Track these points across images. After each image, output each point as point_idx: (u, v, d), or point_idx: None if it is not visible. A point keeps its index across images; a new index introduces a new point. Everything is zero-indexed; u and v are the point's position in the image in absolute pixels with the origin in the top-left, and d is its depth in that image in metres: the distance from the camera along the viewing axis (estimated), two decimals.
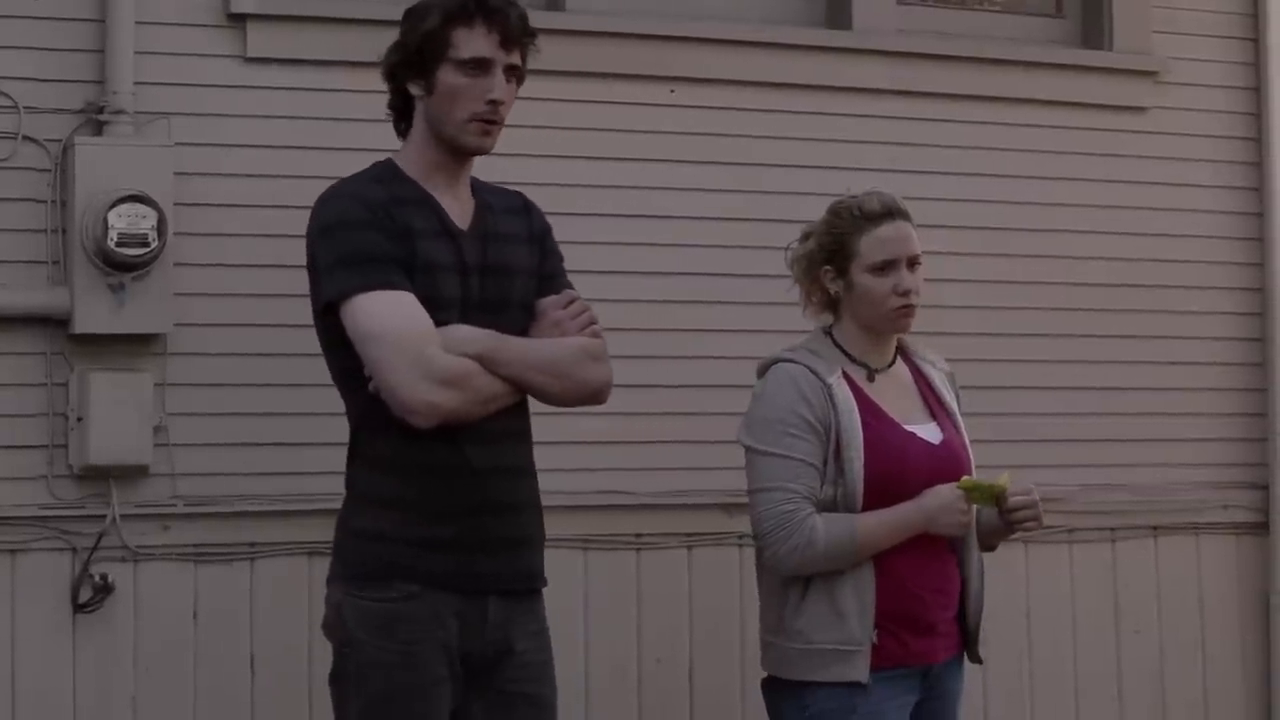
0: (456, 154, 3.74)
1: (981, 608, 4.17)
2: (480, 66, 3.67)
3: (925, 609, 4.01)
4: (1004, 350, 5.23)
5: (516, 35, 3.70)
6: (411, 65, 3.70)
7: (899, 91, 5.20)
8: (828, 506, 3.96)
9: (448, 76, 3.68)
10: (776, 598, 4.05)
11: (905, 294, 4.05)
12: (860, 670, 3.93)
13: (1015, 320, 5.28)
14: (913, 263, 4.08)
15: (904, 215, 4.10)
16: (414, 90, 3.72)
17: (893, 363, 4.16)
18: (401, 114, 3.79)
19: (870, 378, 4.09)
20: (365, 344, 3.57)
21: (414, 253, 3.62)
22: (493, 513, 3.67)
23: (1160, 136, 5.51)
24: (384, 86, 3.81)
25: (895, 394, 4.12)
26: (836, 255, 4.10)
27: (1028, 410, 5.24)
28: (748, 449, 4.04)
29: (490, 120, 3.70)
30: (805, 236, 4.19)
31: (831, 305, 4.15)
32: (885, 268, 4.06)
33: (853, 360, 4.09)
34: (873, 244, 4.07)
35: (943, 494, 3.97)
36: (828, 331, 4.15)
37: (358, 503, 3.71)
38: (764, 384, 4.08)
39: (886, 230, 4.07)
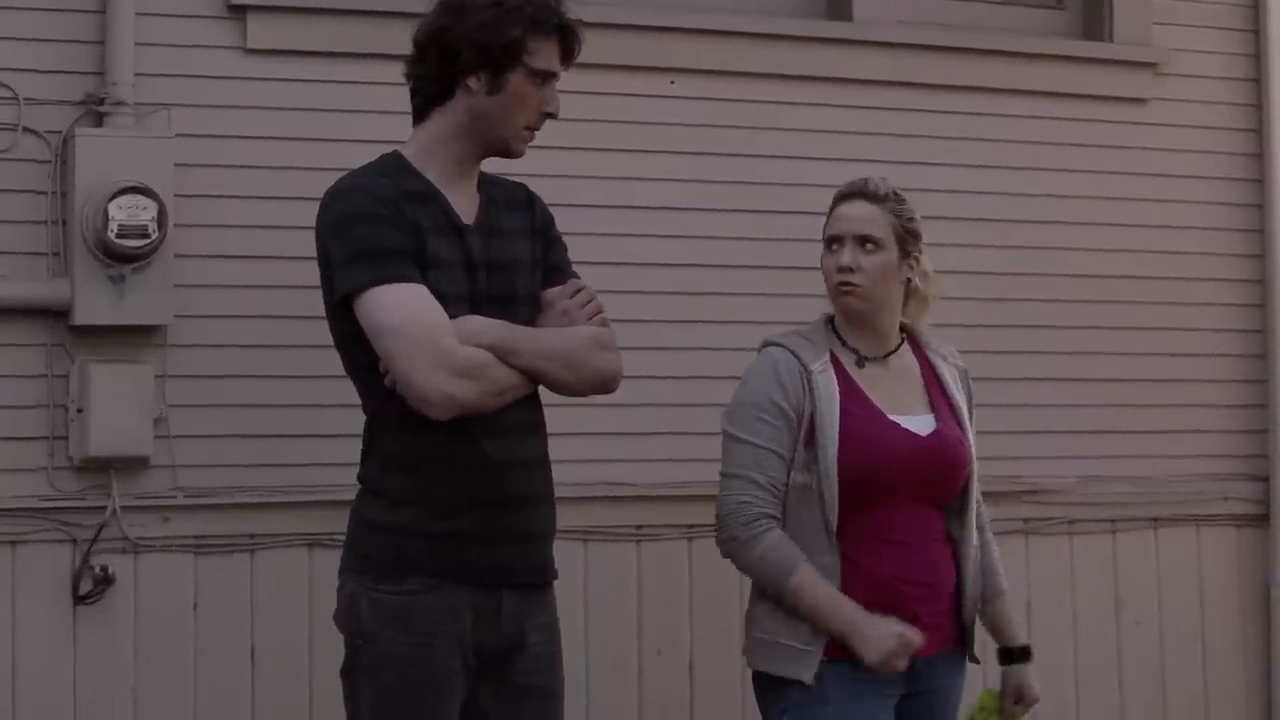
0: (493, 154, 3.76)
1: (976, 607, 4.16)
2: (546, 78, 3.71)
3: (903, 601, 3.97)
4: (1004, 341, 5.22)
5: (575, 55, 3.76)
6: (480, 61, 3.67)
7: (899, 83, 5.20)
8: (804, 493, 3.95)
9: (519, 83, 3.68)
10: (754, 589, 4.07)
11: (841, 270, 4.06)
12: (806, 670, 3.92)
13: (1015, 311, 5.28)
14: (864, 242, 4.06)
15: (872, 198, 4.08)
16: (473, 85, 3.68)
17: (894, 352, 4.15)
18: (428, 99, 3.74)
19: (859, 364, 4.09)
20: (380, 337, 3.56)
21: (423, 249, 3.62)
22: (509, 506, 3.68)
23: (1160, 128, 5.51)
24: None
25: (891, 383, 4.10)
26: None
27: (1028, 401, 5.24)
28: (723, 431, 4.05)
29: (538, 130, 3.75)
30: None
31: None
32: (831, 243, 4.09)
33: (845, 346, 4.10)
34: (829, 222, 4.11)
35: (885, 628, 3.88)
36: (831, 316, 4.15)
37: (372, 496, 3.71)
38: (749, 366, 4.10)
39: (841, 208, 4.10)
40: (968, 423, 4.17)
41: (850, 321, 4.11)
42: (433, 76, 3.72)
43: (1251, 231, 5.62)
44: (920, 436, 4.05)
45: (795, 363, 4.01)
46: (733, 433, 4.01)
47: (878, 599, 3.95)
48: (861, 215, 4.07)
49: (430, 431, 3.58)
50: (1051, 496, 5.31)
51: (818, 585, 3.90)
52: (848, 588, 3.93)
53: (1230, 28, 5.63)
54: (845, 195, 4.11)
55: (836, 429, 3.96)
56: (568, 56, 3.76)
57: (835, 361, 4.05)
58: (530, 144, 3.80)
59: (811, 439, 3.96)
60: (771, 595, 3.97)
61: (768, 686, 4.03)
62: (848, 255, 4.04)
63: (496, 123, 3.72)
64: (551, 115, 3.75)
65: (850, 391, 4.02)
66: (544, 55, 3.71)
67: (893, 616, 3.93)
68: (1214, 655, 5.54)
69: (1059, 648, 5.33)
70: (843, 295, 4.07)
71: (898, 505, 4.00)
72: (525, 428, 3.73)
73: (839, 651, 3.93)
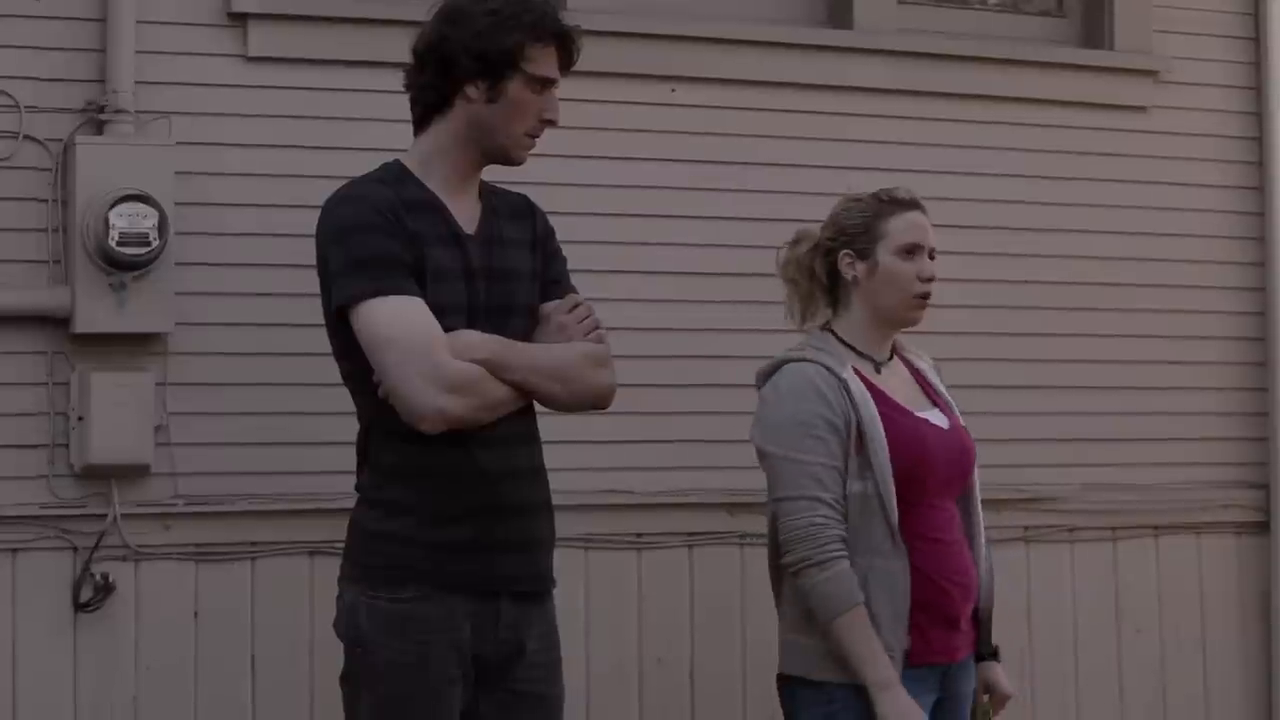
0: (494, 161, 3.76)
1: (992, 600, 4.15)
2: (545, 84, 3.71)
3: (951, 602, 3.99)
4: (1005, 349, 5.22)
5: (573, 59, 3.76)
6: (479, 69, 3.68)
7: (900, 91, 5.20)
8: (863, 501, 3.93)
9: (518, 90, 3.69)
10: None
11: (929, 280, 4.07)
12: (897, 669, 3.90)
13: (1016, 319, 5.28)
14: (931, 255, 4.10)
15: (923, 208, 4.14)
16: (472, 93, 3.69)
17: (891, 357, 4.16)
18: (428, 108, 3.75)
19: (877, 370, 4.09)
20: (374, 349, 3.57)
21: (422, 258, 3.62)
22: (505, 515, 3.68)
23: (1161, 136, 5.50)
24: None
25: (900, 385, 4.12)
26: (861, 237, 4.09)
27: (1028, 409, 5.24)
28: (766, 454, 4.00)
29: (538, 137, 3.75)
30: (797, 241, 4.19)
31: (833, 300, 4.15)
32: (913, 251, 4.07)
33: (859, 354, 4.09)
34: (903, 226, 4.08)
35: (911, 707, 3.86)
36: (827, 328, 4.14)
37: (370, 506, 3.72)
38: (776, 385, 4.04)
39: (915, 216, 4.11)
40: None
41: (887, 331, 4.11)
42: (432, 85, 3.72)
43: (1252, 239, 5.62)
44: (945, 430, 4.08)
45: (830, 375, 3.99)
46: (785, 454, 3.96)
47: (931, 599, 3.96)
48: (930, 227, 4.11)
49: (425, 442, 3.59)
50: (1052, 504, 5.31)
51: (868, 629, 3.88)
52: (901, 588, 3.93)
53: (1230, 35, 5.63)
54: (909, 204, 4.11)
55: (882, 434, 3.95)
56: (566, 63, 3.76)
57: (854, 369, 4.05)
58: (531, 151, 3.81)
59: (861, 447, 3.95)
60: (818, 621, 3.92)
61: (808, 693, 3.97)
62: (931, 268, 4.07)
63: (496, 130, 3.72)
64: (551, 122, 3.76)
65: (879, 396, 4.02)
66: (542, 62, 3.71)
67: (941, 617, 3.96)
68: (1214, 663, 5.54)
69: (1060, 655, 5.32)
70: (920, 308, 4.09)
71: (931, 502, 4.02)
72: (520, 438, 3.73)
73: (893, 657, 3.92)
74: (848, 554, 3.90)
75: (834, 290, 4.16)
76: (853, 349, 4.09)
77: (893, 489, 3.92)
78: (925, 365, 4.23)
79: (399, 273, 3.58)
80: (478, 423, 3.61)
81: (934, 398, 4.16)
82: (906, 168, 5.01)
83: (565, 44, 3.74)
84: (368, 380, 3.63)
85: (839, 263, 4.11)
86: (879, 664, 3.87)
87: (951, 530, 4.05)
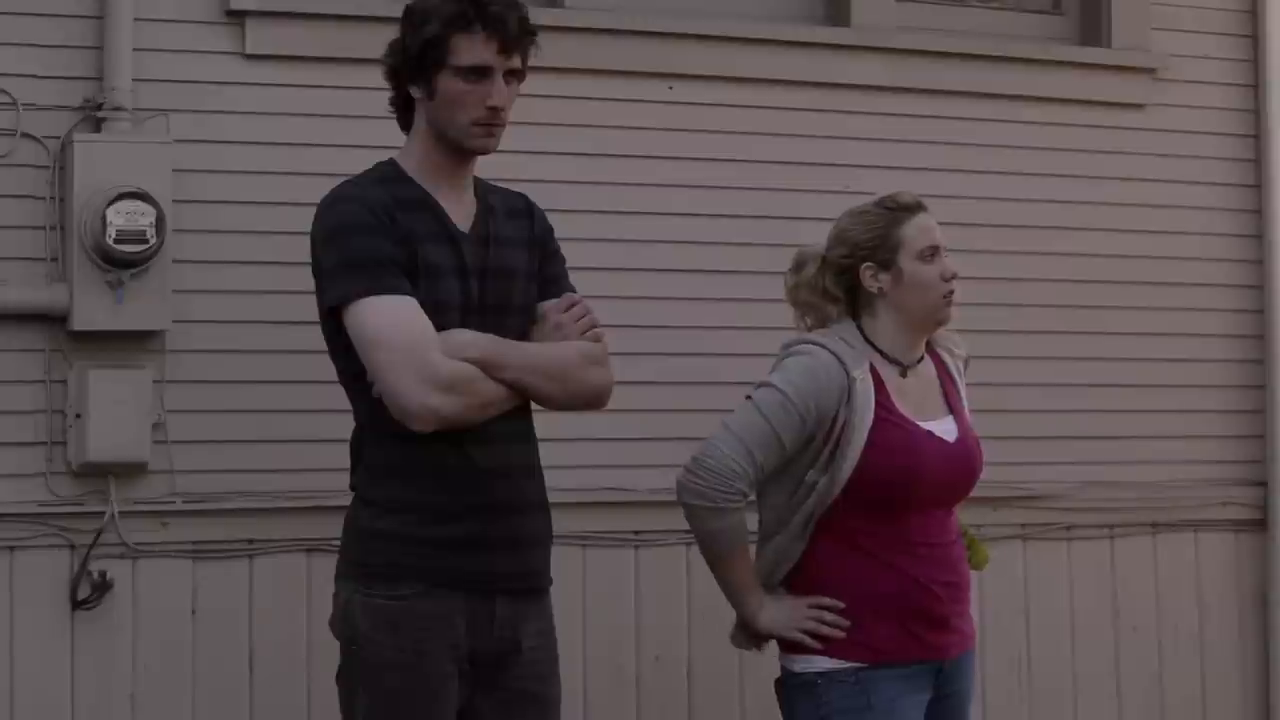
0: (460, 155, 3.74)
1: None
2: (480, 73, 3.66)
3: (936, 601, 3.99)
4: (1001, 347, 5.21)
5: (516, 39, 3.69)
6: (412, 69, 3.69)
7: (898, 88, 5.20)
8: (808, 489, 3.95)
9: (448, 83, 3.66)
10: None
11: (951, 278, 4.07)
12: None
13: (1013, 317, 5.28)
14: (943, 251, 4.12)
15: (927, 209, 4.14)
16: (415, 93, 3.71)
17: (921, 359, 4.15)
18: (404, 111, 3.78)
19: (903, 374, 4.08)
20: (367, 349, 3.57)
21: (415, 256, 3.62)
22: (499, 513, 3.68)
23: (1159, 134, 5.51)
24: (383, 83, 3.81)
25: (919, 390, 4.10)
26: (880, 249, 4.07)
27: (1026, 407, 5.24)
28: (748, 395, 4.01)
29: (491, 124, 3.70)
30: (801, 264, 4.17)
31: (854, 311, 4.13)
32: (933, 253, 4.07)
33: (885, 357, 4.08)
34: (917, 231, 4.07)
35: (784, 606, 4.02)
36: (858, 325, 4.12)
37: (365, 504, 3.72)
38: (791, 354, 4.04)
39: (924, 219, 4.09)
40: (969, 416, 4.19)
41: (918, 334, 4.11)
42: (396, 90, 3.76)
43: (1250, 237, 5.62)
44: (949, 443, 4.07)
45: (840, 371, 3.98)
46: (758, 403, 3.98)
47: (917, 602, 3.97)
48: (936, 225, 4.10)
49: (419, 440, 3.59)
50: (1050, 502, 5.31)
51: (738, 562, 4.05)
52: (886, 591, 3.95)
53: (1228, 33, 5.64)
54: (916, 207, 4.10)
55: (863, 441, 3.94)
56: (508, 44, 3.67)
57: (872, 370, 4.03)
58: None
59: (839, 443, 3.95)
60: (705, 553, 4.08)
61: (802, 692, 4.00)
62: (952, 264, 4.07)
63: (444, 125, 3.70)
64: (496, 109, 3.69)
65: (885, 401, 4.01)
66: (469, 51, 3.65)
67: (928, 618, 3.97)
68: (1212, 660, 5.54)
69: (1057, 653, 5.33)
70: (949, 306, 4.08)
71: (925, 509, 4.02)
72: (515, 436, 3.73)
73: (883, 656, 3.94)
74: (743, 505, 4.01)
75: (854, 302, 4.14)
76: (880, 352, 4.08)
77: (839, 489, 3.94)
78: (953, 362, 4.22)
79: (391, 272, 3.58)
80: (470, 422, 3.61)
81: (953, 403, 4.15)
82: (904, 165, 5.02)
83: (496, 26, 3.65)
84: (362, 380, 3.63)
85: (861, 276, 4.08)
86: (745, 590, 4.04)
87: (943, 534, 4.05)
